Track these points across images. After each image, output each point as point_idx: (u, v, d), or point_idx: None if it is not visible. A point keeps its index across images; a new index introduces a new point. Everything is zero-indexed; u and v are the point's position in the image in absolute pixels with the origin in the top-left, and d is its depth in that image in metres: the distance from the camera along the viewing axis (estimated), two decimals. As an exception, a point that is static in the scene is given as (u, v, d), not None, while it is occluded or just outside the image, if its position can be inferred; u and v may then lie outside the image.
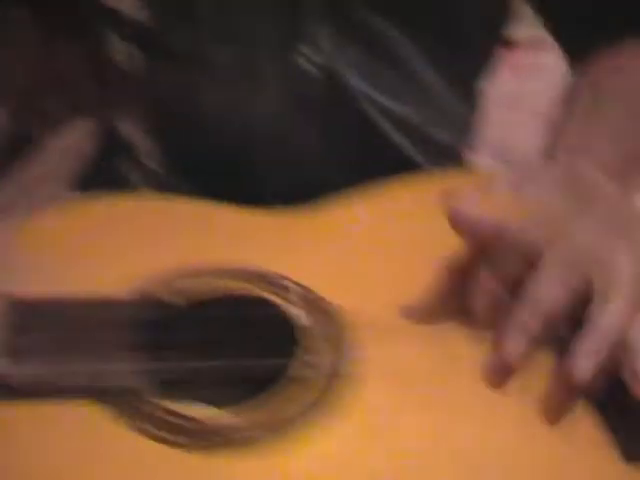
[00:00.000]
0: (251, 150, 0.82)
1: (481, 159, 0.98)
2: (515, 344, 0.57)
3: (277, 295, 0.65)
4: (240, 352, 0.60)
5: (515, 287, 0.59)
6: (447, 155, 0.90)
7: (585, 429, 0.57)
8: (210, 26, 0.78)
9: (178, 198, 0.74)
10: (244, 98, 0.80)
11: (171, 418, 0.55)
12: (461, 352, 0.61)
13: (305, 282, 0.65)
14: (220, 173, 0.80)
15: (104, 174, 0.83)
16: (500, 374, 0.58)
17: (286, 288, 0.65)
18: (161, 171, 0.81)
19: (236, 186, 0.76)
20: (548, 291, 0.57)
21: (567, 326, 0.59)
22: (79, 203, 0.75)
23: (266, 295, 0.65)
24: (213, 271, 0.66)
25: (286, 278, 0.65)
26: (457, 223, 0.60)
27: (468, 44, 0.86)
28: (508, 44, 0.97)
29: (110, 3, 0.72)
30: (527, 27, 0.97)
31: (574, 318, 0.58)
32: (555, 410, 0.57)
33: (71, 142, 1.05)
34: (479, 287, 0.60)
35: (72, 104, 0.80)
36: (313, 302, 0.64)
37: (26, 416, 0.54)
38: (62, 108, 0.80)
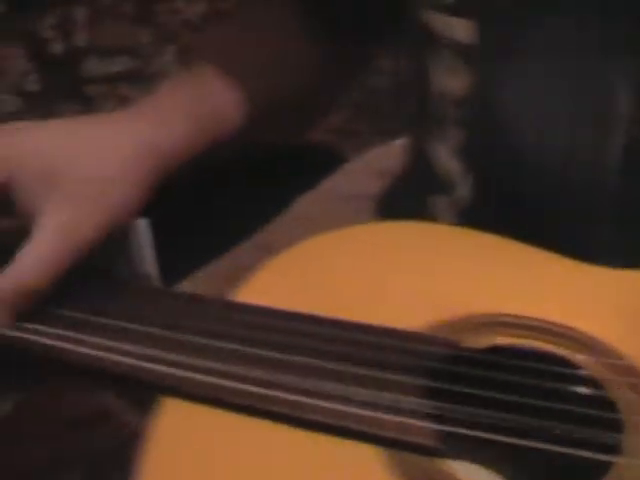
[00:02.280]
0: (593, 193, 0.66)
1: None
2: None
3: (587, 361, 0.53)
4: (551, 432, 0.49)
5: None
6: None
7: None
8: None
9: (483, 233, 0.64)
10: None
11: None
12: None
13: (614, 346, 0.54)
14: (539, 214, 0.68)
15: (408, 200, 0.79)
16: None
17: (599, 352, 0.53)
18: (468, 200, 0.72)
19: (559, 234, 0.65)
20: None
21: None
22: (374, 227, 0.70)
23: (572, 356, 0.53)
24: (516, 318, 0.56)
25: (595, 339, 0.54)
26: None
27: None
28: None
29: (439, 30, 0.69)
30: None
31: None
32: None
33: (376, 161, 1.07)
34: None
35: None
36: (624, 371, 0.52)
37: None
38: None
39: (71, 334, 0.54)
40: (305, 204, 1.15)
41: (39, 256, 0.55)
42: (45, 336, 0.54)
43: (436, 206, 0.73)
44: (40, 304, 0.55)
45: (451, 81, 0.68)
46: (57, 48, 1.63)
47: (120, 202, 0.58)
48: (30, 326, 0.54)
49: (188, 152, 0.65)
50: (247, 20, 0.79)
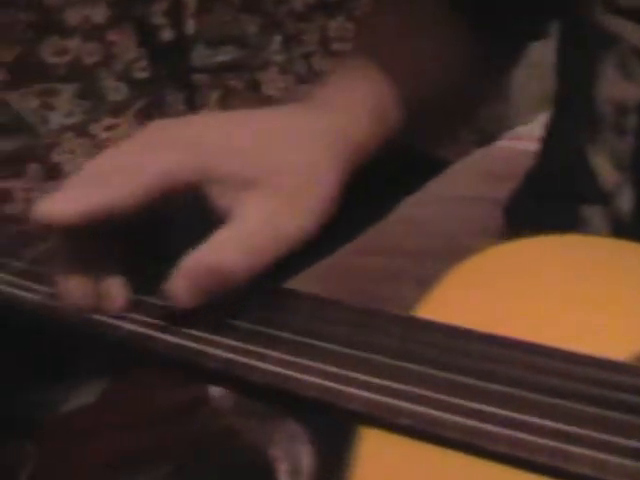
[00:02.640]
0: None
1: None
2: None
3: None
4: None
5: None
6: None
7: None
8: None
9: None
10: None
11: None
12: None
13: None
14: None
15: (548, 208, 0.76)
16: None
17: None
18: (627, 212, 0.69)
19: None
20: None
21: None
22: (531, 241, 0.65)
23: None
24: None
25: None
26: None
27: None
28: None
29: (615, 33, 0.68)
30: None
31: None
32: None
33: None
34: None
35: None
36: None
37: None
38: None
39: (251, 347, 0.51)
40: (410, 207, 1.15)
41: (239, 240, 0.52)
42: (221, 348, 0.51)
43: (589, 217, 0.70)
44: (227, 297, 0.52)
45: (624, 87, 0.66)
46: (166, 35, 1.63)
47: (325, 194, 0.56)
48: (204, 335, 0.52)
49: (372, 148, 0.63)
50: (401, 14, 0.76)
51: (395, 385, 0.47)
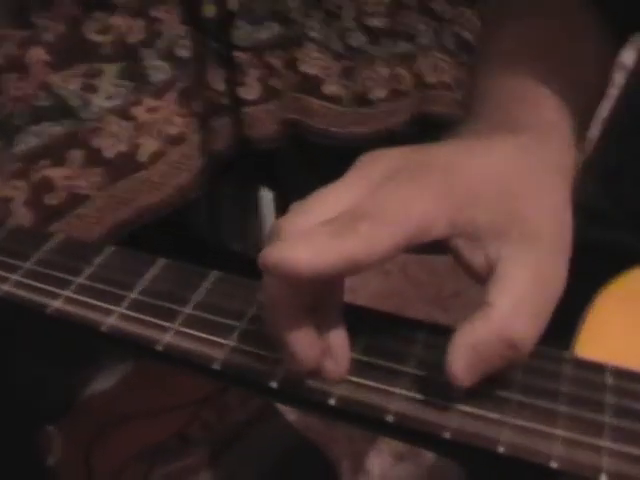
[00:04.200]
0: None
1: None
2: None
3: None
4: None
5: None
6: None
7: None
8: None
9: None
10: None
11: None
12: None
13: None
14: None
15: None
16: None
17: None
18: None
19: None
20: None
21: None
22: None
23: None
24: None
25: None
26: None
27: None
28: None
29: None
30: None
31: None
32: None
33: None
34: None
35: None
36: None
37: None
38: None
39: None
40: None
41: (525, 307, 0.47)
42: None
43: None
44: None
45: None
46: (210, 12, 1.55)
47: (570, 235, 0.51)
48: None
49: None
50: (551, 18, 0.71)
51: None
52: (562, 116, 0.59)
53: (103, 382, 1.85)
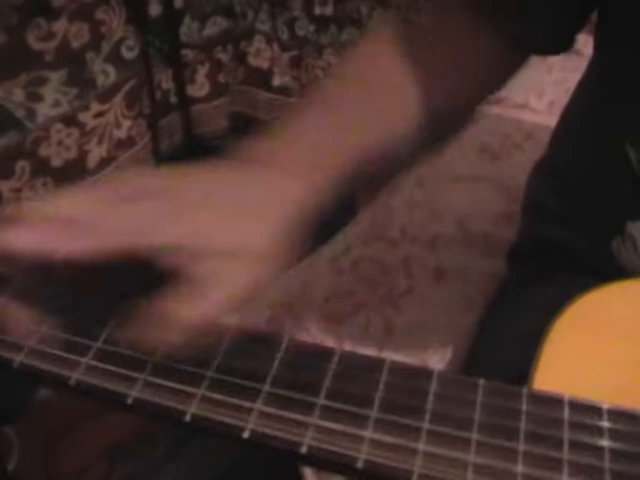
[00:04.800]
0: None
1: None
2: None
3: None
4: None
5: None
6: None
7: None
8: None
9: None
10: None
11: None
12: None
13: None
14: None
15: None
16: None
17: None
18: None
19: None
20: None
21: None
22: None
23: None
24: None
25: None
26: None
27: None
28: None
29: None
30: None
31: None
32: None
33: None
34: None
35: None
36: None
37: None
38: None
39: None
40: (411, 187, 1.15)
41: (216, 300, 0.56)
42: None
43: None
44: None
45: None
46: (155, 10, 1.52)
47: (269, 273, 0.58)
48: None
49: (324, 202, 0.65)
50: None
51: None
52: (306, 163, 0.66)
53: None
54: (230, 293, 0.56)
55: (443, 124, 0.77)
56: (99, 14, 1.47)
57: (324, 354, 0.56)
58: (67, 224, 0.56)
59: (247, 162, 0.64)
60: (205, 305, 0.55)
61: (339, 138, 0.68)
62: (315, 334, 0.96)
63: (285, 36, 1.63)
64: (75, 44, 1.45)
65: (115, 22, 1.48)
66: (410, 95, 0.72)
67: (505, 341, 0.79)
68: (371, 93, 0.72)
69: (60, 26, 1.43)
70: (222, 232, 0.58)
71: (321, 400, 0.53)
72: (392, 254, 1.06)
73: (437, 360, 0.91)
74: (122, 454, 1.64)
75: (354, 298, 1.01)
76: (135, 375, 0.56)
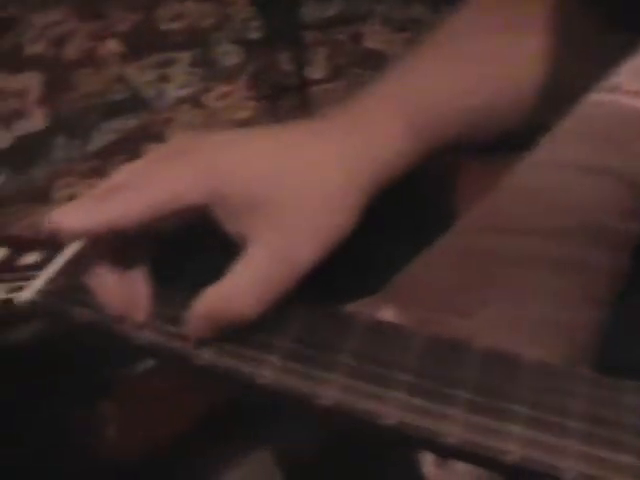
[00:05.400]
0: None
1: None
2: None
3: None
4: None
5: None
6: None
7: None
8: None
9: None
10: None
11: None
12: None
13: None
14: None
15: None
16: None
17: None
18: None
19: None
20: None
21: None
22: None
23: None
24: None
25: None
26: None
27: None
28: None
29: None
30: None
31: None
32: None
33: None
34: None
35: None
36: None
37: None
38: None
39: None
40: (521, 174, 0.96)
41: (251, 284, 0.52)
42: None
43: None
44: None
45: None
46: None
47: (333, 233, 0.54)
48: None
49: (407, 166, 0.59)
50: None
51: None
52: (390, 112, 0.60)
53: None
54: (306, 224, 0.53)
55: (552, 105, 0.71)
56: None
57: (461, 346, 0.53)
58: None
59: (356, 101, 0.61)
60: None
61: (451, 92, 0.64)
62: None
63: (399, 17, 1.39)
64: (202, 24, 1.49)
65: (239, 3, 1.47)
66: (527, 70, 0.68)
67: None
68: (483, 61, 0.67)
69: (189, 6, 1.49)
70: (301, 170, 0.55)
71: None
72: (508, 245, 1.01)
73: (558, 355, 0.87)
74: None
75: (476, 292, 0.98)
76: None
